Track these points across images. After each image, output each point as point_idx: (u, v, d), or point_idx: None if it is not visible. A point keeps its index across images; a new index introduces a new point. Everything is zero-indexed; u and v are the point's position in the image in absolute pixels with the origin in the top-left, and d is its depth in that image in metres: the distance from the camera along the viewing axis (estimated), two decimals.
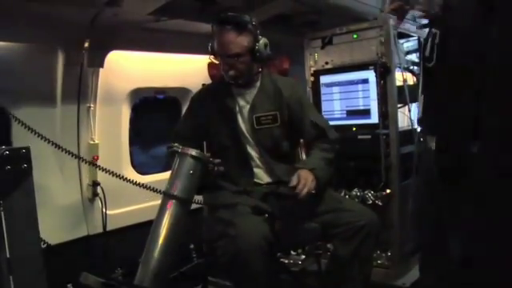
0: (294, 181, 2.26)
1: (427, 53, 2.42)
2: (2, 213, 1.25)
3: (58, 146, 1.73)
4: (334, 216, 2.36)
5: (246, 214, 2.29)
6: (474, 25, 2.19)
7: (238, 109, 2.54)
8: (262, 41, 2.42)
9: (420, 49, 3.65)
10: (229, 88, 2.55)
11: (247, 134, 2.53)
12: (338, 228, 2.33)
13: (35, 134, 1.65)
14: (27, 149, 1.28)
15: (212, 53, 2.47)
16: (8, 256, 1.25)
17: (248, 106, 2.54)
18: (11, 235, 1.24)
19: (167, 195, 2.09)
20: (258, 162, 2.55)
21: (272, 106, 2.54)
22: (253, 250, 2.07)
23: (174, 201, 2.10)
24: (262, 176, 2.56)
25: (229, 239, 2.15)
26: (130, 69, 3.41)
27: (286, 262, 3.46)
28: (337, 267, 2.39)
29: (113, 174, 2.05)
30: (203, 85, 2.97)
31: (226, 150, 2.51)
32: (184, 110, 3.84)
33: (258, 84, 2.57)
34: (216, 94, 2.58)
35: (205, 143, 2.69)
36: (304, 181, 2.25)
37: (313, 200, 2.37)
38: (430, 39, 2.42)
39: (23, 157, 1.27)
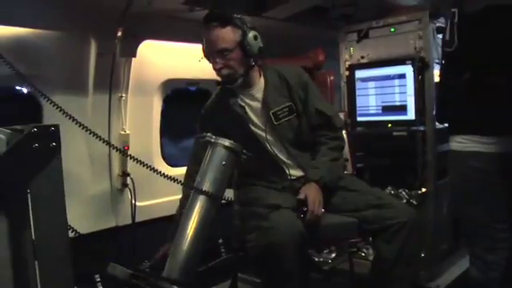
0: (301, 195, 2.27)
1: (447, 36, 2.18)
2: (29, 193, 1.20)
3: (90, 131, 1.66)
4: (375, 212, 2.27)
5: (280, 208, 2.20)
6: None
7: (248, 110, 2.46)
8: (251, 33, 2.31)
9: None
10: (234, 91, 2.45)
11: (265, 134, 2.43)
12: (377, 224, 2.25)
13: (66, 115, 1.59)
14: (56, 126, 1.23)
15: (204, 55, 2.39)
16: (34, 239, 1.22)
17: (259, 105, 2.45)
18: (37, 217, 1.19)
19: (198, 191, 2.03)
20: (282, 157, 2.45)
21: (284, 97, 2.47)
22: (286, 243, 2.00)
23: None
24: (291, 171, 2.46)
25: (261, 231, 2.10)
26: (162, 59, 3.37)
27: (316, 259, 3.39)
28: (384, 269, 2.29)
29: (142, 163, 1.99)
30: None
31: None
32: None
33: (262, 79, 2.48)
34: (223, 101, 2.49)
35: None
36: (312, 205, 2.22)
37: (351, 195, 2.37)
38: (449, 20, 2.19)
39: (52, 135, 1.22)
